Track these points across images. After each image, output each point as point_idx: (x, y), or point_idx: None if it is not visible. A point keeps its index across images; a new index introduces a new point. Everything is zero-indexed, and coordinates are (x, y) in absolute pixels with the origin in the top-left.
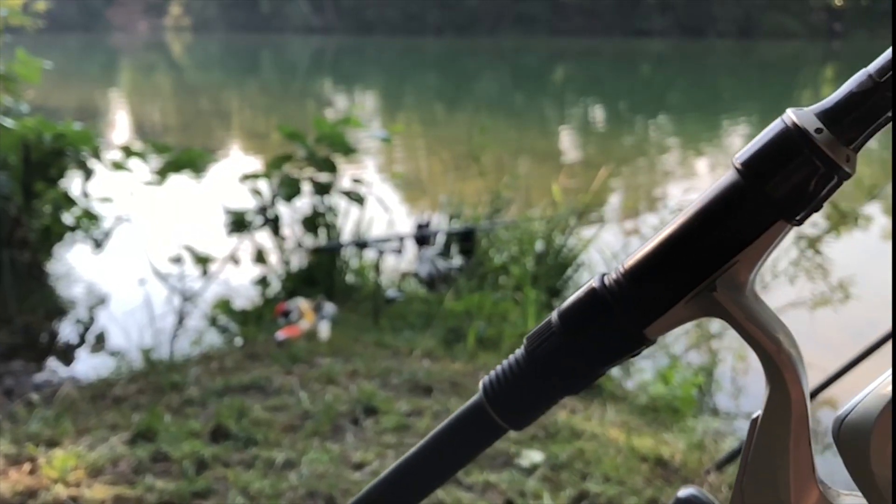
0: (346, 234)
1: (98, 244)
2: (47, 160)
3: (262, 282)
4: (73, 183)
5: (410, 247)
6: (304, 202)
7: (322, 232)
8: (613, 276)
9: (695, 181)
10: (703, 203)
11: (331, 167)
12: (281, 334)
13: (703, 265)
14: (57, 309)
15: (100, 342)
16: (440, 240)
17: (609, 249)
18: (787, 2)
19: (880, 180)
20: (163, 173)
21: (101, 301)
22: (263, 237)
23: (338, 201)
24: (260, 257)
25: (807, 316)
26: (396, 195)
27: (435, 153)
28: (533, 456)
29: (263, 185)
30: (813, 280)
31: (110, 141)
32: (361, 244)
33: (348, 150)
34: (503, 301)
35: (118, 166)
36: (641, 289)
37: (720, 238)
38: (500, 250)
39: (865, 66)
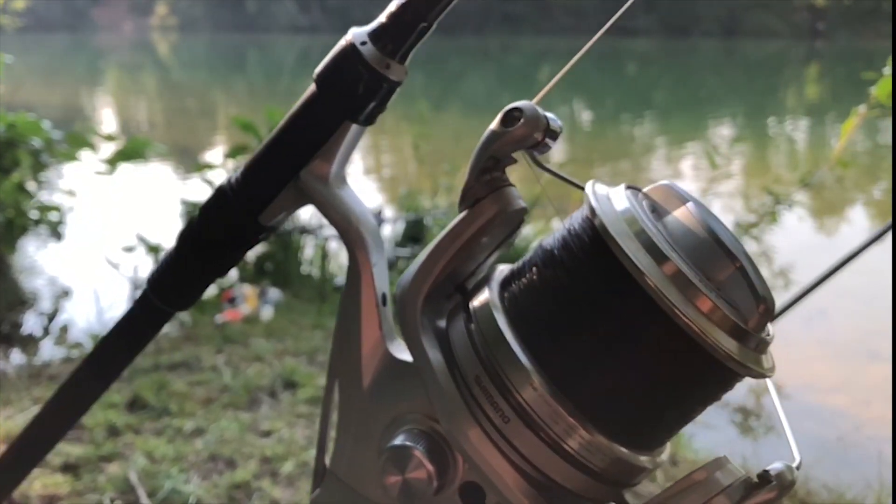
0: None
1: (59, 235)
2: None
3: None
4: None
5: None
6: None
7: None
8: (234, 175)
9: (676, 178)
10: (291, 112)
11: None
12: (220, 317)
13: (291, 162)
14: (19, 300)
15: (63, 332)
16: (398, 228)
17: None
18: (770, 1)
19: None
20: (112, 162)
21: (65, 293)
22: None
23: None
24: None
25: None
26: (374, 189)
27: (416, 150)
28: None
29: (220, 176)
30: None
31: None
32: (305, 231)
33: None
34: None
35: (69, 156)
36: (251, 184)
37: (301, 139)
38: None
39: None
